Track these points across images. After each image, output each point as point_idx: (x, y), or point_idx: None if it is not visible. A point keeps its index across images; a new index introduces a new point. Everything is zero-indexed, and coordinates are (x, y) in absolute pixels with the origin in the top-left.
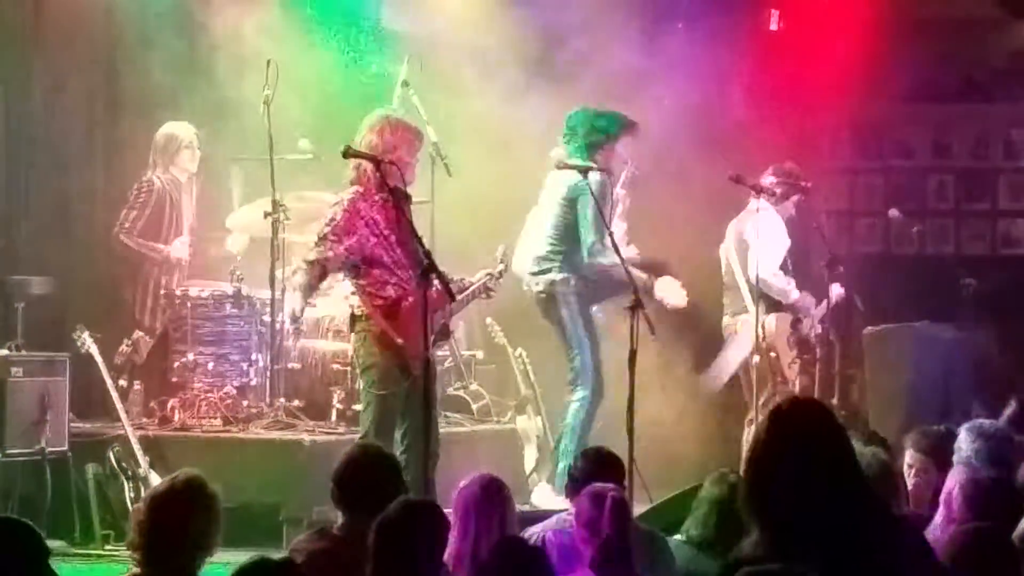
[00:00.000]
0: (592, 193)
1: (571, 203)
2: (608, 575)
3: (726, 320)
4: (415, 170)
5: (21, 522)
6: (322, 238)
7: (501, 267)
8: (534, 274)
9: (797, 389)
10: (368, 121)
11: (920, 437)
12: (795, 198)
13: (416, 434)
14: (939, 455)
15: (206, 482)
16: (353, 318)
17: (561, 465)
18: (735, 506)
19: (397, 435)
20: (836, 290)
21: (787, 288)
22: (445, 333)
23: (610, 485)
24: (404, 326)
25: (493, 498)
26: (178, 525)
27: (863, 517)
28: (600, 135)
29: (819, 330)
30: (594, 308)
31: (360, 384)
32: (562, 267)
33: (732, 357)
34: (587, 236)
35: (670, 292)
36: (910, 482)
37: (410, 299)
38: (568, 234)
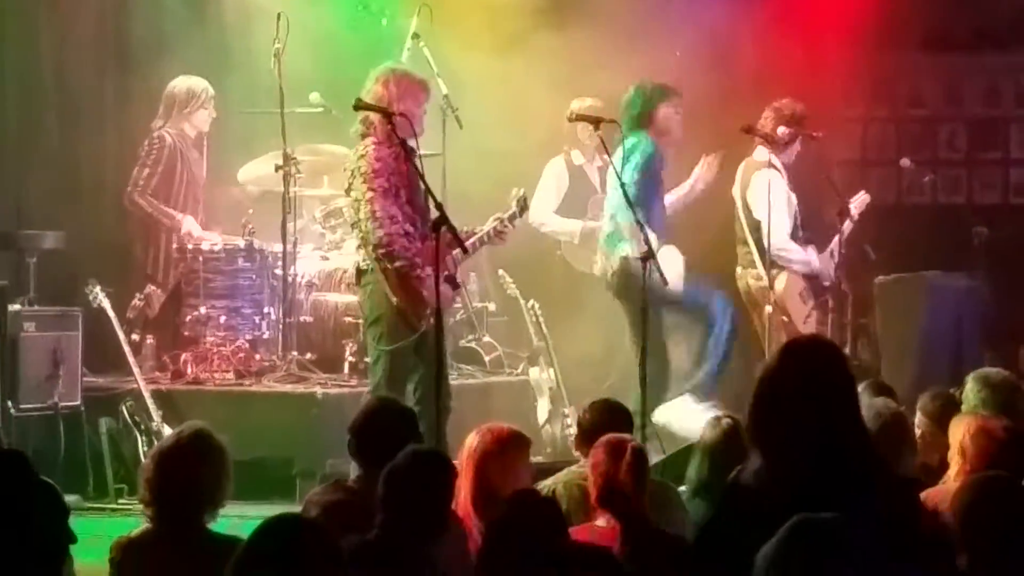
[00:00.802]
0: (640, 156)
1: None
2: (623, 526)
3: (738, 271)
4: (423, 121)
5: (42, 481)
6: (371, 192)
7: (514, 210)
8: (608, 255)
9: None
10: (374, 73)
11: (929, 401)
12: (799, 141)
13: (429, 386)
14: (946, 421)
15: (212, 434)
16: (359, 272)
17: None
18: (726, 450)
19: (409, 387)
20: (861, 196)
21: (805, 258)
22: (453, 284)
23: (627, 436)
24: (407, 280)
25: (507, 450)
26: (186, 479)
27: (856, 464)
28: (639, 107)
29: (832, 274)
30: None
31: (367, 338)
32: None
33: None
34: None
35: (670, 266)
36: (919, 442)
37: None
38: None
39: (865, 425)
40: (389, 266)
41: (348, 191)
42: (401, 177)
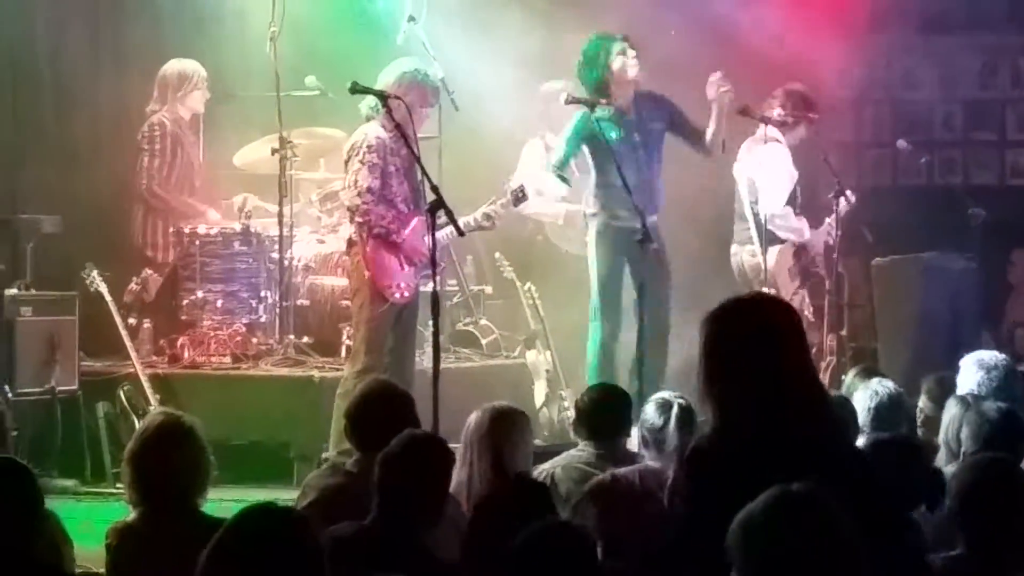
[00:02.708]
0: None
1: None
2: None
3: (734, 248)
4: (423, 120)
5: (14, 462)
6: (360, 164)
7: (507, 199)
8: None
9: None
10: (392, 70)
11: (935, 386)
12: (803, 126)
13: (398, 359)
14: None
15: (179, 419)
16: (349, 243)
17: None
18: None
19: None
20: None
21: (798, 227)
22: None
23: (677, 393)
24: (389, 258)
25: (498, 430)
26: (164, 474)
27: (808, 419)
28: (599, 68)
29: (822, 251)
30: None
31: (352, 309)
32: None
33: None
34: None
35: None
36: (919, 427)
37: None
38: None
39: (819, 380)
40: (365, 234)
41: (346, 164)
42: (400, 159)
